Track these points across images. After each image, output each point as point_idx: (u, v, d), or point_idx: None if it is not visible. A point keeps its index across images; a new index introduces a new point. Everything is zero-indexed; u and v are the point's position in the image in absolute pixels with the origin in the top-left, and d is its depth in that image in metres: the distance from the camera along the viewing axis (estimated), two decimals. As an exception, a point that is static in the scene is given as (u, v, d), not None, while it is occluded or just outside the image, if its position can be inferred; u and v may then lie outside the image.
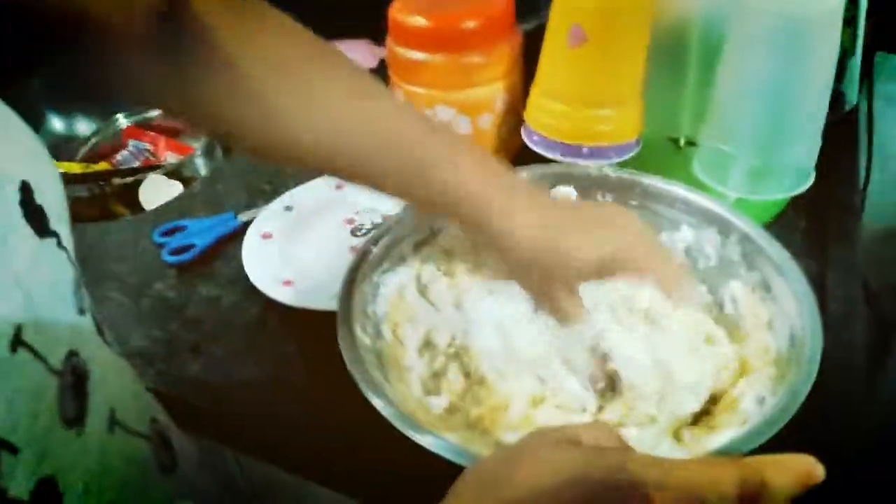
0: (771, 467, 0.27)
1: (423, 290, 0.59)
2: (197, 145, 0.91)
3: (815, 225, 0.70)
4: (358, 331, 0.50)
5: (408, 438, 0.42)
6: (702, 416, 0.49)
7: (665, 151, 0.74)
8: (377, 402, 0.44)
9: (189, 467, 0.44)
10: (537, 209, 0.49)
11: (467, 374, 0.52)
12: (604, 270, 0.49)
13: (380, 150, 0.46)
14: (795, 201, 0.69)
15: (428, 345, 0.56)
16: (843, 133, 0.78)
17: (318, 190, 0.77)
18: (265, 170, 0.83)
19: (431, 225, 0.61)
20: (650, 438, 0.47)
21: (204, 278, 0.70)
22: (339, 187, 0.77)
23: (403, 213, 0.60)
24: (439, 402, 0.51)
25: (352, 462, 0.53)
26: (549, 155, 0.72)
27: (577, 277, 0.50)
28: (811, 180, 0.67)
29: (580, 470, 0.30)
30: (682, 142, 0.75)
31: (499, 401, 0.49)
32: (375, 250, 0.57)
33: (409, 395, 0.51)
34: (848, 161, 0.78)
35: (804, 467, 0.26)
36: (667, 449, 0.45)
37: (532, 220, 0.48)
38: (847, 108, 0.79)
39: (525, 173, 0.63)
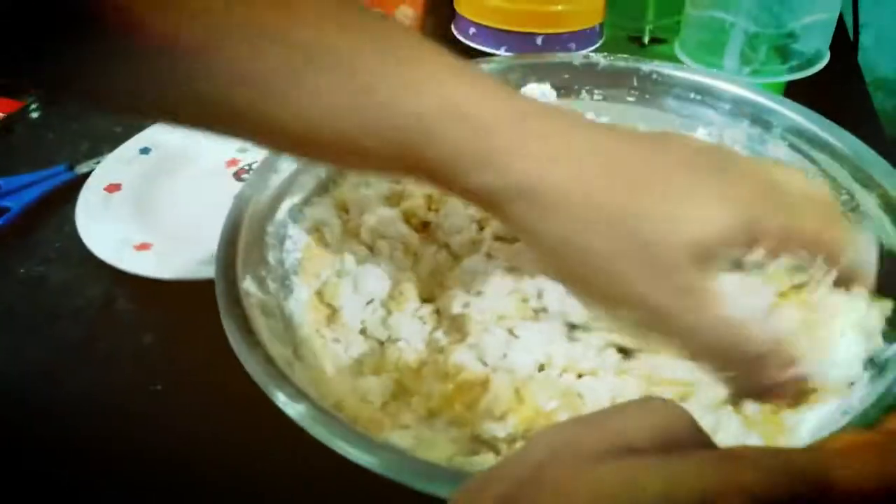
0: None
1: (354, 230, 0.42)
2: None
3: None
4: (250, 289, 0.33)
5: (331, 450, 0.26)
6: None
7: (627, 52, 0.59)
8: (280, 397, 0.27)
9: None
10: (591, 146, 0.28)
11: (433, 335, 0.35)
12: (739, 244, 0.28)
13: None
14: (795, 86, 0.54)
15: (369, 303, 0.39)
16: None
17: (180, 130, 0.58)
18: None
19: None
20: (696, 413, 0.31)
21: (20, 253, 0.50)
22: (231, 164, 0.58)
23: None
24: (381, 386, 0.34)
25: (249, 490, 0.36)
26: (493, 50, 0.56)
27: (689, 266, 0.27)
28: (825, 60, 0.52)
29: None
30: (646, 38, 0.61)
31: (475, 373, 0.32)
32: (273, 171, 0.39)
33: (335, 380, 0.34)
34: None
35: None
36: (735, 430, 0.30)
37: (589, 168, 0.27)
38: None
39: (480, 67, 0.47)
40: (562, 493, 0.18)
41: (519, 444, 0.29)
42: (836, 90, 0.43)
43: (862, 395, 0.28)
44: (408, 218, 0.42)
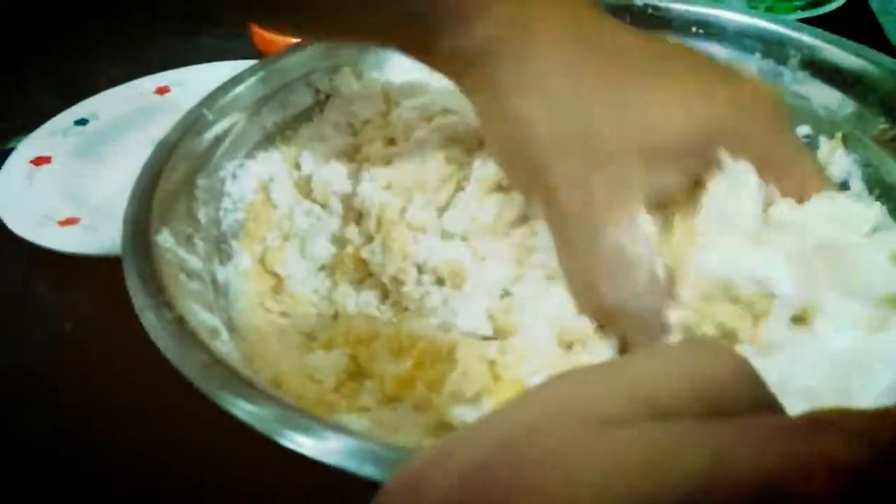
0: None
1: (304, 185, 0.36)
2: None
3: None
4: (166, 243, 0.27)
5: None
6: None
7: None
8: (185, 363, 0.21)
9: None
10: (567, 32, 0.26)
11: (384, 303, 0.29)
12: (697, 155, 0.26)
13: None
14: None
15: (322, 269, 0.33)
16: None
17: (127, 96, 0.52)
18: (59, 79, 0.56)
19: (322, 82, 0.37)
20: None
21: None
22: (160, 91, 0.52)
23: (270, 64, 0.36)
24: (333, 363, 0.27)
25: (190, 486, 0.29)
26: None
27: (647, 165, 0.26)
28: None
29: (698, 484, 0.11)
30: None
31: (438, 344, 0.26)
32: (210, 116, 0.33)
33: (278, 356, 0.28)
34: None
35: None
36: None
37: (559, 54, 0.26)
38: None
39: None
40: (561, 467, 0.11)
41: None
42: (851, 33, 0.38)
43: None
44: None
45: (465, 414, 0.24)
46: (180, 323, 0.22)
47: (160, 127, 0.38)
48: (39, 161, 0.47)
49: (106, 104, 0.51)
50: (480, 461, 0.12)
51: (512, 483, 0.12)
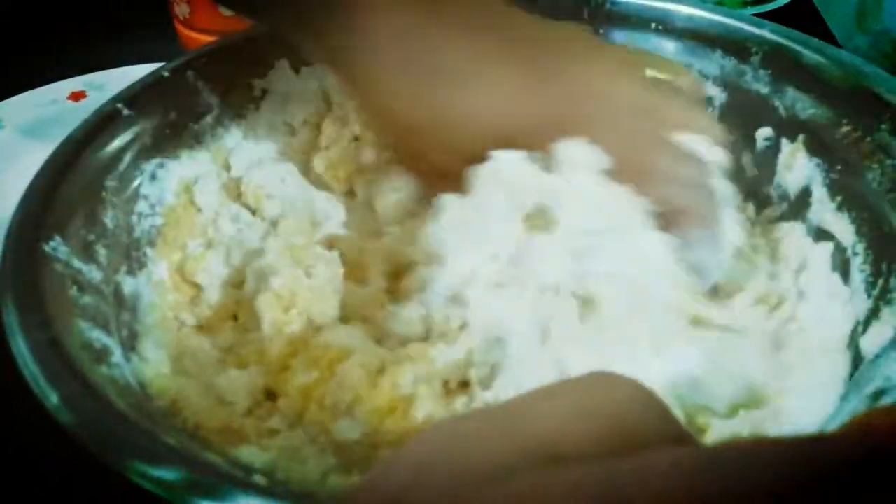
0: None
1: (233, 188, 0.33)
2: None
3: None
4: (58, 253, 0.24)
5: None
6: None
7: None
8: (52, 396, 0.18)
9: None
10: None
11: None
12: (526, 141, 0.26)
13: None
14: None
15: (241, 285, 0.30)
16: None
17: (38, 102, 0.48)
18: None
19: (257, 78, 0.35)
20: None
21: None
22: (74, 97, 0.48)
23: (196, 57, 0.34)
24: (246, 383, 0.25)
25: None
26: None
27: (465, 148, 0.27)
28: None
29: None
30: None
31: (337, 350, 0.23)
32: (126, 112, 0.30)
33: (185, 377, 0.25)
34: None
35: None
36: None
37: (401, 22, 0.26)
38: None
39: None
40: None
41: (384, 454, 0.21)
42: (797, 29, 0.36)
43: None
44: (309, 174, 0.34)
45: (344, 430, 0.22)
46: (53, 345, 0.20)
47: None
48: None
49: (12, 111, 0.47)
50: None
51: None
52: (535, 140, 0.26)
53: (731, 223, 0.28)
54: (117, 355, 0.23)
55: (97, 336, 0.22)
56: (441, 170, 0.28)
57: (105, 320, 0.24)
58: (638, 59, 0.30)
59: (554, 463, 0.10)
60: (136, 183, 0.30)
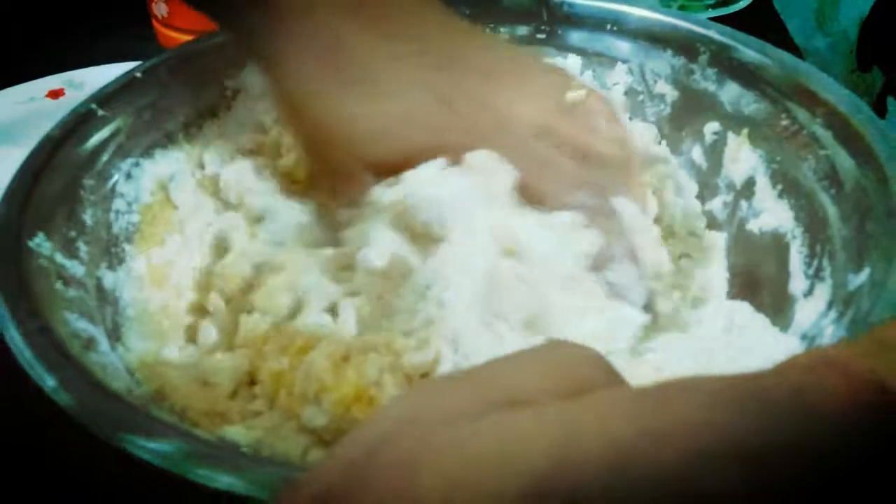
0: None
1: (210, 185, 0.34)
2: None
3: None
4: (42, 249, 0.25)
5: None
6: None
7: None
8: (49, 381, 0.19)
9: None
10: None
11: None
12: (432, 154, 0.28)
13: None
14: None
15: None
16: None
17: (16, 100, 0.48)
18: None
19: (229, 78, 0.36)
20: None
21: None
22: (52, 94, 0.49)
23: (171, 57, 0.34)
24: (231, 366, 0.26)
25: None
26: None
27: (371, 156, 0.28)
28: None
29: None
30: None
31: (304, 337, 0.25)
32: (101, 112, 0.31)
33: (169, 362, 0.26)
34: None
35: None
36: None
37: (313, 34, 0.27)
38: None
39: None
40: (408, 469, 0.11)
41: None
42: (758, 32, 0.39)
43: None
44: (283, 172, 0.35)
45: (312, 417, 0.23)
46: (44, 333, 0.21)
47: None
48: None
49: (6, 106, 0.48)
50: (334, 482, 0.12)
51: (358, 493, 0.11)
52: (443, 153, 0.28)
53: (652, 245, 0.29)
54: (104, 344, 0.24)
55: (84, 326, 0.23)
56: (346, 172, 0.29)
57: (90, 312, 0.25)
58: (558, 82, 0.31)
59: (517, 406, 0.12)
60: (112, 181, 0.31)
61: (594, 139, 0.29)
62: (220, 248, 0.32)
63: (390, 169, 0.28)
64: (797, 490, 0.10)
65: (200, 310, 0.30)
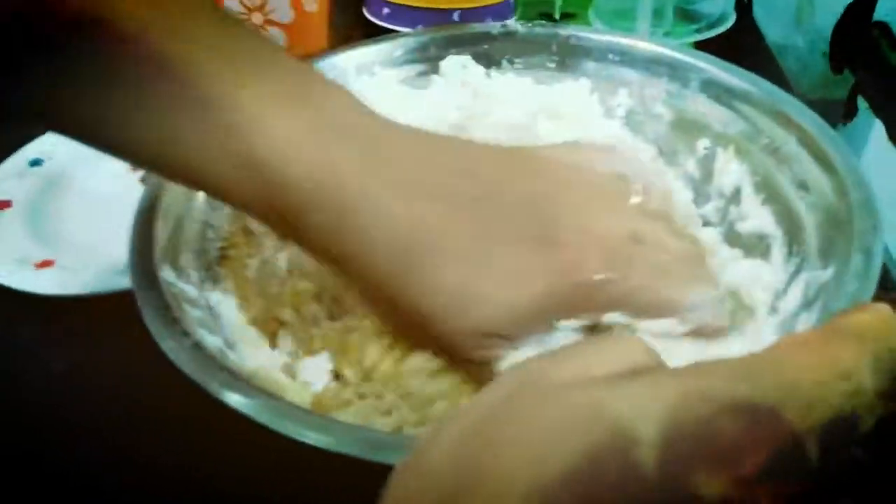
0: None
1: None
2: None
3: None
4: (169, 278, 0.31)
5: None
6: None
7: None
8: (215, 387, 0.25)
9: None
10: (408, 186, 0.27)
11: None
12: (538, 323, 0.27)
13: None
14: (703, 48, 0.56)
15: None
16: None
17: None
18: None
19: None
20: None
21: None
22: None
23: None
24: (318, 363, 0.32)
25: None
26: (410, 30, 0.54)
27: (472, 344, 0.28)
28: (731, 20, 0.54)
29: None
30: (557, 13, 0.62)
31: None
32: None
33: (272, 373, 0.32)
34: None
35: None
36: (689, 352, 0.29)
37: (399, 221, 0.26)
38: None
39: (397, 42, 0.45)
40: (528, 421, 0.16)
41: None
42: (742, 50, 0.45)
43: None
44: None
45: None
46: (198, 348, 0.26)
47: (112, 161, 0.41)
48: (1, 205, 0.49)
49: (56, 142, 0.52)
50: (469, 426, 0.17)
51: (493, 439, 0.16)
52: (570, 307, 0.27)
53: None
54: (230, 354, 0.30)
55: (212, 341, 0.29)
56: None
57: (211, 328, 0.31)
58: (623, 186, 0.32)
59: (594, 383, 0.17)
60: (204, 213, 0.37)
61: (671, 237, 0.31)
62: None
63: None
64: None
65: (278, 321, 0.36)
